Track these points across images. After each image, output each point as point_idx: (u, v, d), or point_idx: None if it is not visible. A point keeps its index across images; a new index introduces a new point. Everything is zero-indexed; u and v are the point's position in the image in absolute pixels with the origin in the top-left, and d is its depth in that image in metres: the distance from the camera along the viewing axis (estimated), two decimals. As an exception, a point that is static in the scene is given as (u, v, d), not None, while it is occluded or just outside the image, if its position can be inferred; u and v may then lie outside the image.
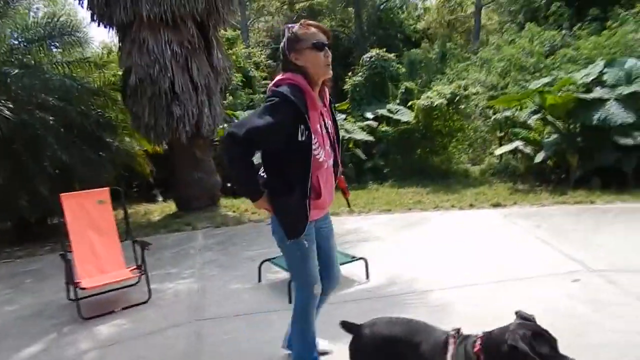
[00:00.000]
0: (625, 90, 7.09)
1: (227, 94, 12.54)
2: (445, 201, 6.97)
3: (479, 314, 3.14)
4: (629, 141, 6.80)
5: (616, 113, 6.76)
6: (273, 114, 2.00)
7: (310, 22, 2.15)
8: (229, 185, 9.64)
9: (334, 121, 2.34)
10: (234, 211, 7.51)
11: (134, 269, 3.97)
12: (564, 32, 12.11)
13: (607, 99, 6.97)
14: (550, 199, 6.58)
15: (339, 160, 2.40)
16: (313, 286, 2.34)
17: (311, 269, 2.33)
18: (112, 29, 7.07)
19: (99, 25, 6.89)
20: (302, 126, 2.03)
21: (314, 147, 2.10)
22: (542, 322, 2.87)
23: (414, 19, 26.61)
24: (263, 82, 18.16)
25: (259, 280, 4.16)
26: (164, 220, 7.21)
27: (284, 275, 3.98)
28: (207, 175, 7.68)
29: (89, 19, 6.92)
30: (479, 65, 13.23)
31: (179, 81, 6.76)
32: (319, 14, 25.60)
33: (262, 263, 4.20)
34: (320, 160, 2.17)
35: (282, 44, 2.14)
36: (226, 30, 15.47)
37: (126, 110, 7.41)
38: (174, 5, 6.43)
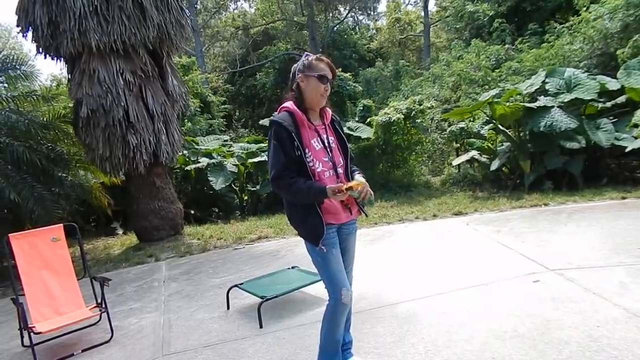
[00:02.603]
0: (567, 97, 7.54)
1: (185, 120, 12.40)
2: (410, 213, 7.10)
3: (446, 322, 3.19)
4: (574, 145, 7.21)
5: (560, 119, 7.14)
6: (274, 140, 2.37)
7: (324, 58, 2.50)
8: (192, 212, 9.45)
9: (339, 136, 2.58)
10: (198, 239, 7.34)
11: (94, 307, 3.80)
12: (507, 46, 12.77)
13: (551, 107, 7.38)
14: (508, 204, 6.83)
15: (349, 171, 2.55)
16: (340, 292, 2.40)
17: (334, 274, 2.43)
18: (60, 60, 6.88)
19: (45, 57, 6.68)
20: (295, 143, 2.36)
21: (308, 159, 2.38)
22: (506, 324, 2.96)
23: (367, 39, 27.48)
24: (222, 106, 18.11)
25: (228, 308, 4.07)
26: (125, 254, 6.95)
27: (254, 300, 3.91)
28: (167, 204, 7.49)
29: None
30: (431, 81, 13.73)
31: (134, 110, 6.63)
32: (274, 38, 25.95)
33: (229, 289, 4.12)
34: (319, 170, 2.42)
35: (296, 65, 2.48)
36: (181, 57, 15.43)
37: (79, 143, 7.17)
38: (124, 35, 6.34)
